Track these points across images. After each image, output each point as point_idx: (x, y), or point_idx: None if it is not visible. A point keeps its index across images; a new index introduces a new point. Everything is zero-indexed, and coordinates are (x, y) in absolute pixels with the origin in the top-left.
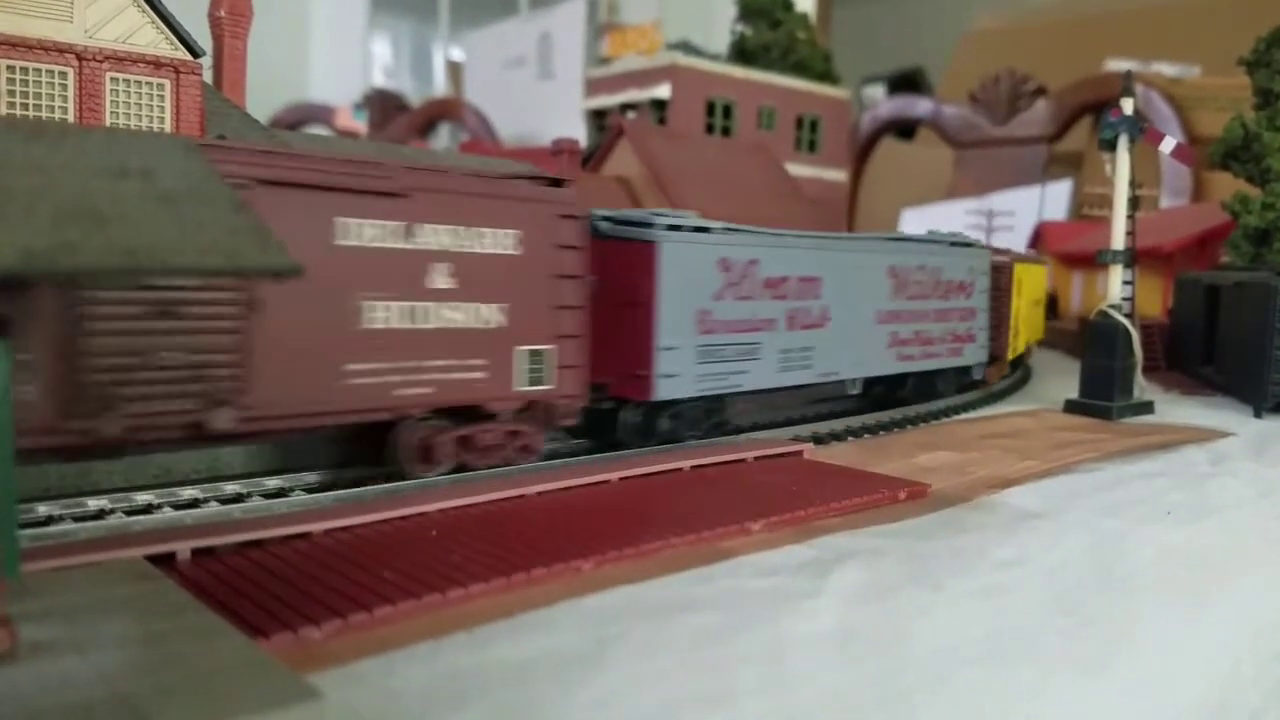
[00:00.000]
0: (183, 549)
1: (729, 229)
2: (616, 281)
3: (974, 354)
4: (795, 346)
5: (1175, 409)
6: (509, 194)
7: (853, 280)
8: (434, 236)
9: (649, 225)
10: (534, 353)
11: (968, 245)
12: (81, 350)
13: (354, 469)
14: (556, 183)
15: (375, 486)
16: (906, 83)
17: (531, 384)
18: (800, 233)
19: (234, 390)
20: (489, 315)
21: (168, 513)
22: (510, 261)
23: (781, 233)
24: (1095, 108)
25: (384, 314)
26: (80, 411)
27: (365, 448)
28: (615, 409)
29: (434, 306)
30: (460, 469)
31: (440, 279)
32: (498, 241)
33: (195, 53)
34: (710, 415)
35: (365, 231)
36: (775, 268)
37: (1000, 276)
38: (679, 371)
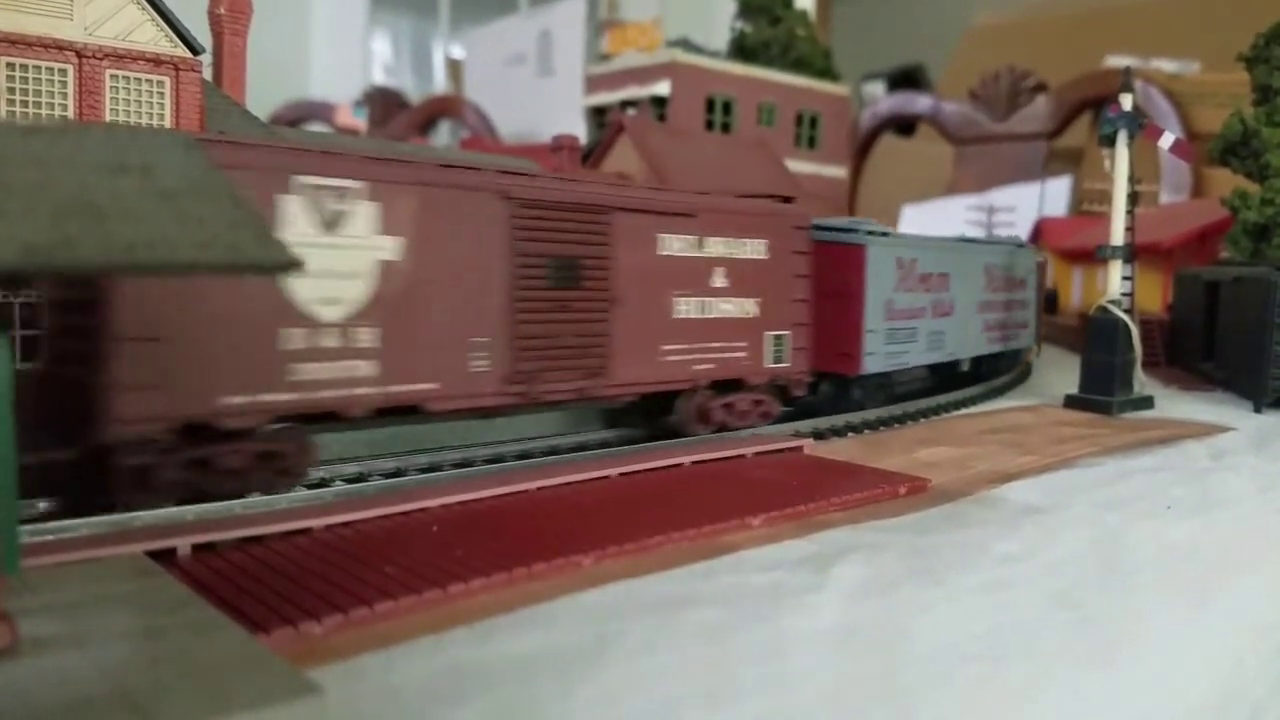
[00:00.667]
0: (183, 544)
1: (898, 234)
2: (828, 277)
3: (1027, 338)
4: (935, 331)
5: (1175, 404)
6: (761, 211)
7: (966, 276)
8: (715, 246)
9: (856, 231)
10: (777, 337)
11: (1022, 246)
12: (518, 335)
13: (618, 429)
14: (789, 200)
15: (375, 482)
16: (906, 79)
17: (775, 362)
18: (940, 237)
19: (603, 365)
20: (749, 307)
21: (168, 509)
22: (761, 264)
23: (930, 237)
24: (1095, 104)
25: (685, 307)
26: (516, 379)
27: (635, 413)
28: (815, 383)
29: (715, 300)
30: (721, 429)
31: (718, 279)
32: (754, 249)
33: (195, 50)
34: (883, 389)
35: (674, 244)
36: (927, 266)
37: (1040, 272)
38: (875, 351)
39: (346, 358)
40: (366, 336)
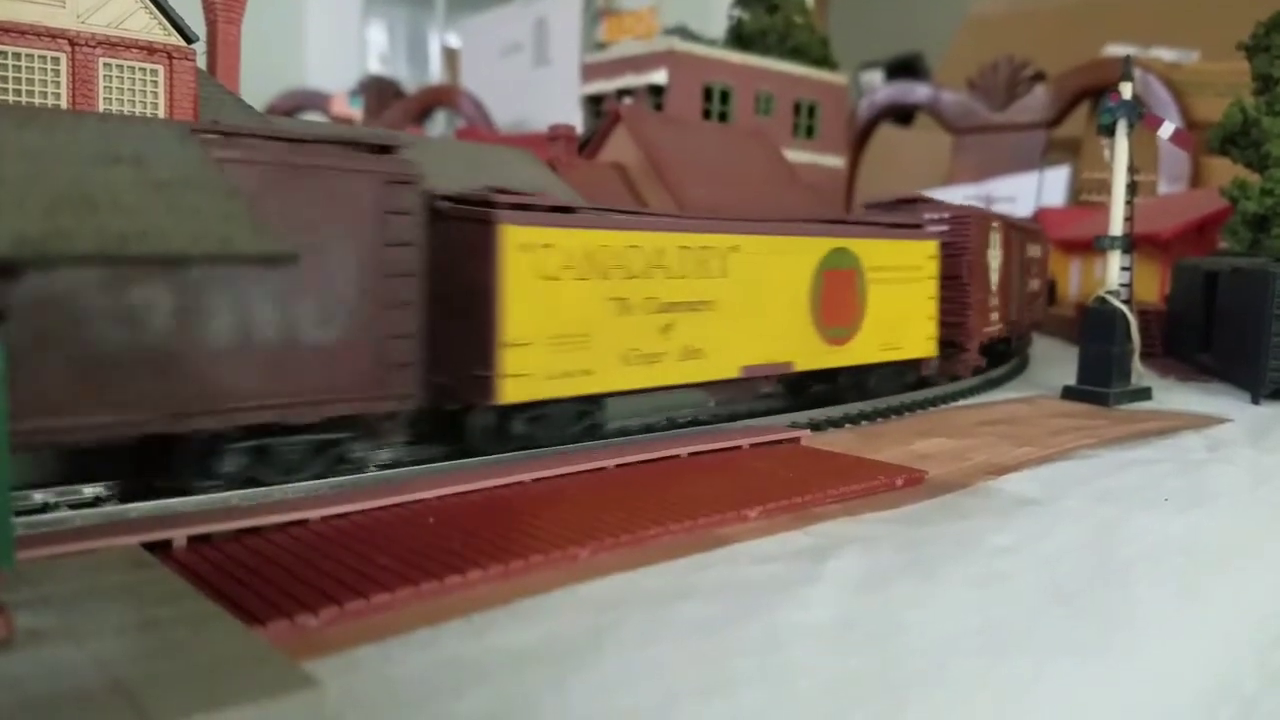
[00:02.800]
0: (179, 536)
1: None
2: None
3: None
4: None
5: (1172, 395)
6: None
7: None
8: (1030, 250)
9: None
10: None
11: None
12: None
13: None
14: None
15: (372, 474)
16: (905, 68)
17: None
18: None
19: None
20: (1035, 286)
21: (164, 500)
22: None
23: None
24: (1094, 93)
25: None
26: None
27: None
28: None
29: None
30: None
31: (1031, 269)
32: (1037, 250)
33: (189, 38)
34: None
35: (1030, 249)
36: None
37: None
38: None
39: None
40: None
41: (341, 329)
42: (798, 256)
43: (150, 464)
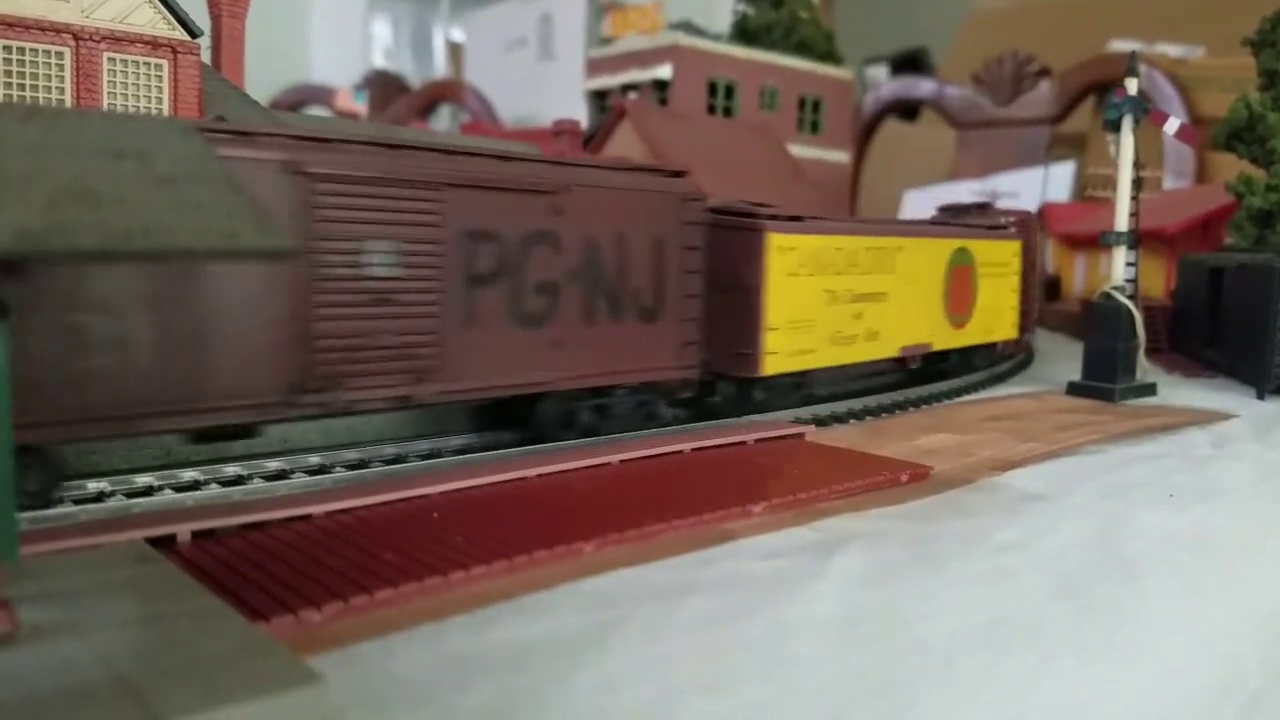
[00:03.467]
0: (183, 531)
1: None
2: None
3: None
4: None
5: (1178, 391)
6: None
7: None
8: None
9: None
10: None
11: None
12: None
13: None
14: None
15: (376, 469)
16: (909, 63)
17: None
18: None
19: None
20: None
21: (168, 495)
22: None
23: None
24: (1099, 88)
25: None
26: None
27: None
28: None
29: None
30: None
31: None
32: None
33: (193, 33)
34: None
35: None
36: None
37: None
38: None
39: None
40: None
41: (657, 315)
42: (936, 255)
43: (514, 420)
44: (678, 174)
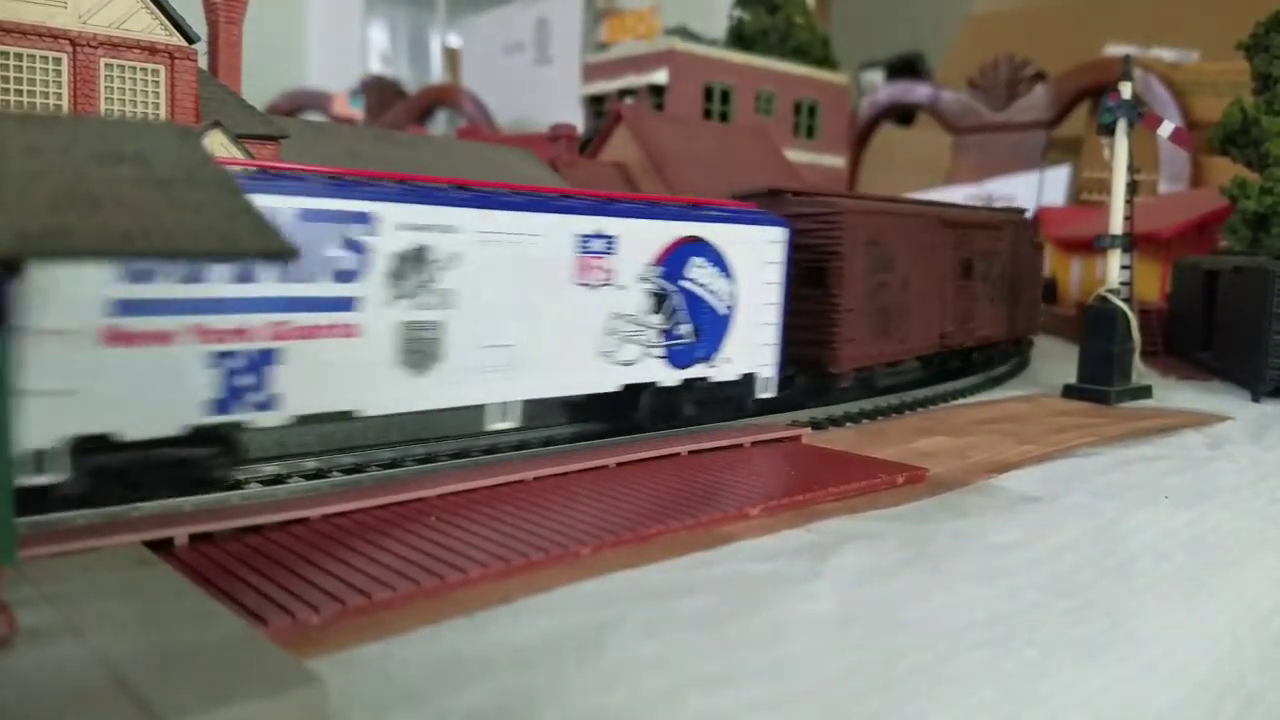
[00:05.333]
0: (181, 534)
1: None
2: None
3: None
4: None
5: (1173, 393)
6: None
7: None
8: None
9: None
10: None
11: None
12: None
13: None
14: None
15: (374, 473)
16: (905, 68)
17: None
18: None
19: None
20: None
21: (166, 500)
22: None
23: None
24: (1094, 93)
25: None
26: None
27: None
28: None
29: None
30: None
31: None
32: None
33: (190, 38)
34: None
35: None
36: None
37: None
38: None
39: None
40: None
41: (1010, 296)
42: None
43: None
44: (1021, 210)
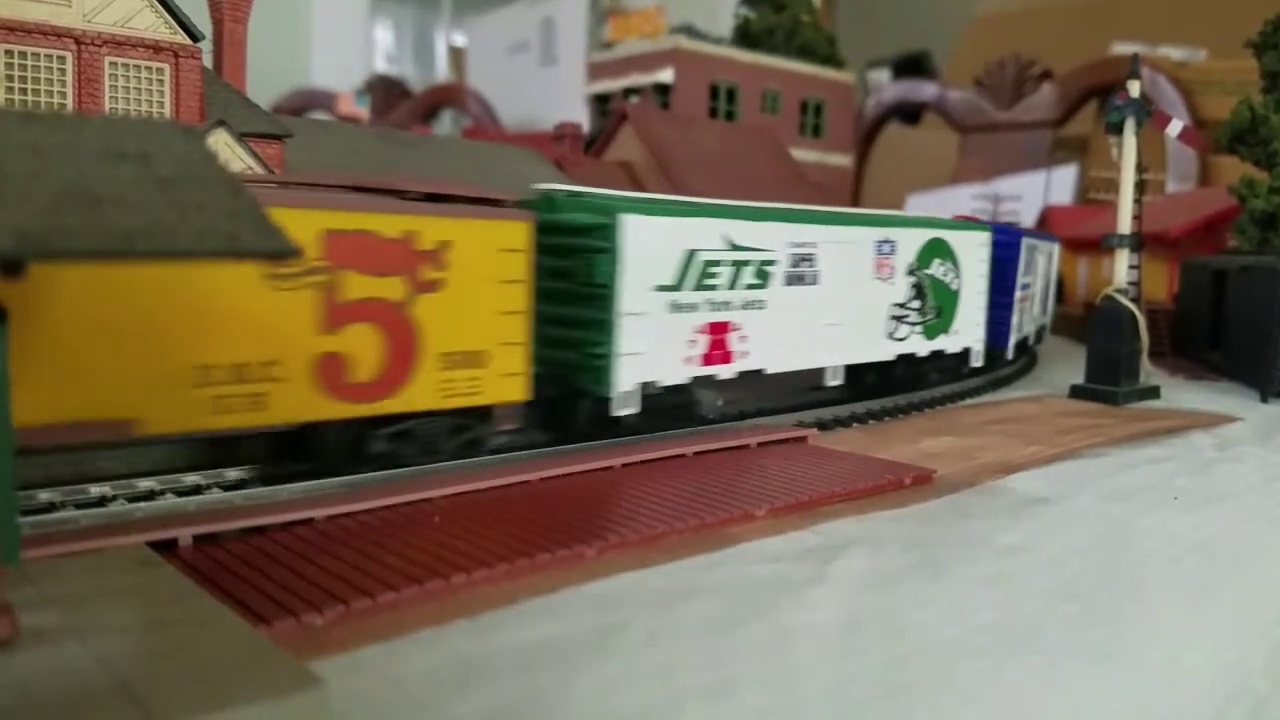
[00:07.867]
0: (185, 535)
1: None
2: None
3: None
4: None
5: (1181, 394)
6: None
7: None
8: None
9: None
10: None
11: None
12: None
13: None
14: None
15: (377, 473)
16: (912, 66)
17: None
18: None
19: None
20: None
21: (170, 499)
22: None
23: None
24: (1101, 91)
25: None
26: None
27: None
28: None
29: None
30: None
31: None
32: None
33: (195, 37)
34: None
35: None
36: None
37: None
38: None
39: None
40: None
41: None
42: None
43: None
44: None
